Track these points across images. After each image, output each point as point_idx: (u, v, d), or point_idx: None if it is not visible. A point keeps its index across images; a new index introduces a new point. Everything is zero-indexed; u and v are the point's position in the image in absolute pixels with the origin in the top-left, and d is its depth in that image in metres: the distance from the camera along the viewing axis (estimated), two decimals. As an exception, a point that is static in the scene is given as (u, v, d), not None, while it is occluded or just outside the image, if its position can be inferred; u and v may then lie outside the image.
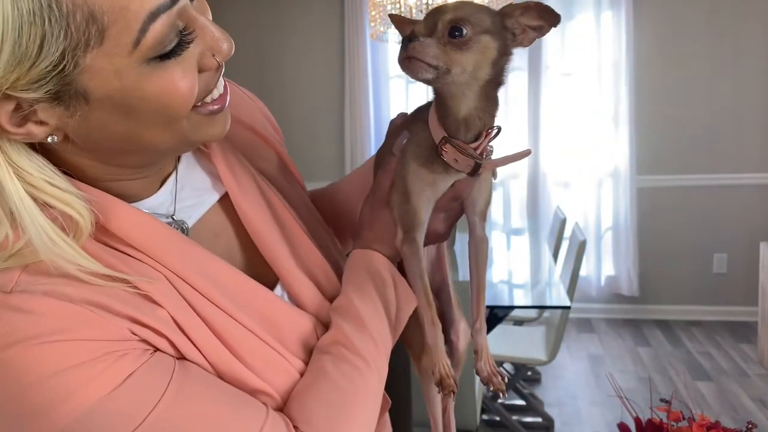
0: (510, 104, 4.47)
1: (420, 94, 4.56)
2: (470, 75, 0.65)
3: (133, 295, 0.58)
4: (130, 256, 0.61)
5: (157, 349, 0.58)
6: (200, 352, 0.61)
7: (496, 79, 0.68)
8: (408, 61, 0.64)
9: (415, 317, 0.74)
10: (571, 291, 2.46)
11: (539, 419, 2.93)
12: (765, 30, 4.15)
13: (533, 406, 2.98)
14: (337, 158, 4.77)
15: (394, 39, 3.29)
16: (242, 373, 0.62)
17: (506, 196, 4.54)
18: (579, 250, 2.51)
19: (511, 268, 2.95)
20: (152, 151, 0.62)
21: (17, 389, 0.51)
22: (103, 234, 0.60)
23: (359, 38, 4.53)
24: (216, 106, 0.62)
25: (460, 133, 0.68)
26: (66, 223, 0.56)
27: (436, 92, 0.70)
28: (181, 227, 0.69)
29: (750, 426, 0.85)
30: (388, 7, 3.03)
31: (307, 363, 0.68)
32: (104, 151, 0.61)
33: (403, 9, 2.97)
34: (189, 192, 0.72)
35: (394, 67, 4.60)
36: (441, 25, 0.64)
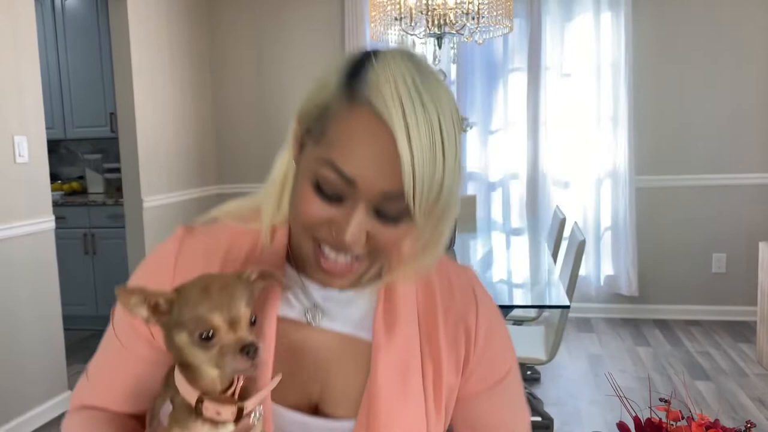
0: (510, 104, 4.49)
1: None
2: None
3: None
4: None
5: None
6: None
7: None
8: None
9: None
10: (570, 291, 2.46)
11: (539, 418, 2.94)
12: (764, 31, 4.16)
13: (533, 406, 2.98)
14: (337, 158, 4.76)
15: (394, 40, 3.29)
16: None
17: (506, 196, 4.54)
18: (578, 249, 2.52)
19: (511, 267, 2.95)
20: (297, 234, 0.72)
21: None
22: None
23: (359, 39, 4.53)
24: (326, 266, 0.68)
25: (216, 386, 0.63)
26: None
27: (181, 359, 0.63)
28: (314, 315, 0.75)
29: (749, 425, 0.86)
30: (388, 8, 3.04)
31: None
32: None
33: (402, 9, 2.98)
34: (348, 308, 0.76)
35: (393, 67, 4.60)
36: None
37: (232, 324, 0.59)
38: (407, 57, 0.64)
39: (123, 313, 0.74)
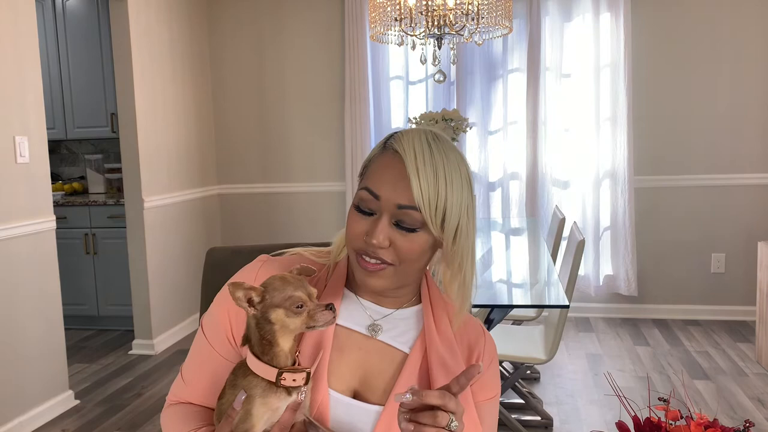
0: (509, 105, 4.49)
1: (420, 96, 4.57)
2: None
3: None
4: None
5: None
6: None
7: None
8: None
9: None
10: (569, 290, 2.47)
11: (538, 418, 2.95)
12: (763, 31, 4.18)
13: (532, 405, 3.00)
14: (338, 158, 4.78)
15: (394, 40, 3.30)
16: None
17: (505, 196, 4.55)
18: (578, 249, 2.53)
19: (510, 267, 2.96)
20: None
21: None
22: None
23: (359, 39, 4.54)
24: (363, 265, 0.90)
25: (287, 361, 0.85)
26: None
27: (263, 340, 0.84)
28: (376, 330, 0.97)
29: (747, 424, 0.87)
30: (388, 9, 3.04)
31: None
32: None
33: (402, 10, 2.98)
34: (396, 328, 0.98)
35: (394, 67, 4.61)
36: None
37: (310, 296, 0.85)
38: (426, 128, 0.92)
39: (213, 317, 0.98)
